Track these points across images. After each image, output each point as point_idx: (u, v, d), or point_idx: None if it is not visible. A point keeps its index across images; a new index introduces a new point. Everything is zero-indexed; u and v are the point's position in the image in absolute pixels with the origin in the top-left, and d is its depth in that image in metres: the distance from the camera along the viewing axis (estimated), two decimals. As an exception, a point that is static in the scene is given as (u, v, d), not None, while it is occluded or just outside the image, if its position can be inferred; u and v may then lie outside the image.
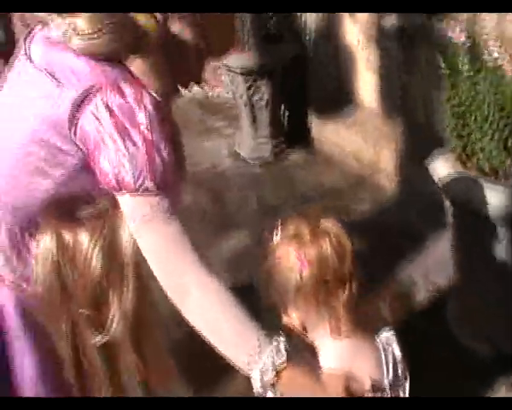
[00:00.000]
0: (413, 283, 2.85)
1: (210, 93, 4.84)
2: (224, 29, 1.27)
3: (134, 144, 1.09)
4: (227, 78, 4.47)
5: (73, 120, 1.11)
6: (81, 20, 1.11)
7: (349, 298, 1.20)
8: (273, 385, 1.10)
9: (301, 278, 1.19)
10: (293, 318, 1.24)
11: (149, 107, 1.12)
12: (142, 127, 1.10)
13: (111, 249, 1.17)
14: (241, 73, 3.76)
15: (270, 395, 1.13)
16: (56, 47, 1.16)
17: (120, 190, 1.11)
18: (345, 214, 3.20)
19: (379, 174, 3.44)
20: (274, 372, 1.09)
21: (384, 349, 1.27)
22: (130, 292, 1.19)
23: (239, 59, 3.73)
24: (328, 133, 3.76)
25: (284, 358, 1.10)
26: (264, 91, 3.78)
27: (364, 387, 1.19)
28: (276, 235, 1.26)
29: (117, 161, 1.09)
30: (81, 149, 1.14)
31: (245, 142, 3.97)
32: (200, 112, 4.62)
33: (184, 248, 1.13)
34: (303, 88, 3.88)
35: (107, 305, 1.19)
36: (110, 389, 1.28)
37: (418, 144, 3.17)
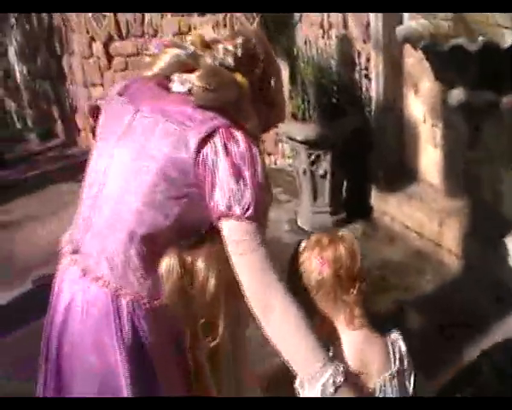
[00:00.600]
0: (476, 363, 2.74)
1: (268, 162, 4.91)
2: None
3: (244, 180, 1.32)
4: (287, 147, 4.54)
5: (196, 158, 1.34)
6: (197, 80, 1.37)
7: (359, 294, 1.45)
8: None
9: (321, 276, 1.44)
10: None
11: (254, 149, 1.36)
12: (251, 167, 1.34)
13: (222, 274, 1.39)
14: (304, 144, 3.80)
15: None
16: (170, 99, 1.42)
17: (228, 216, 1.33)
18: (405, 290, 3.14)
19: (442, 251, 3.37)
20: (334, 388, 1.29)
21: (392, 343, 1.50)
22: (234, 304, 1.43)
23: (302, 130, 3.79)
24: (390, 207, 3.74)
25: (343, 379, 1.30)
26: (325, 163, 3.80)
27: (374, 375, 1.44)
28: (301, 245, 1.51)
29: (229, 193, 1.32)
30: (199, 183, 1.35)
31: (304, 212, 3.98)
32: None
33: (271, 270, 1.33)
34: (364, 160, 3.88)
35: (218, 315, 1.41)
36: (214, 387, 1.51)
37: (483, 222, 3.12)
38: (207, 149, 1.33)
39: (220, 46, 1.44)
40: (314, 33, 4.21)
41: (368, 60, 3.82)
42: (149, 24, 5.43)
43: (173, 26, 5.20)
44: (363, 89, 3.89)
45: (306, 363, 1.31)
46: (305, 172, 3.89)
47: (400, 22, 3.64)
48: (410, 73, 3.69)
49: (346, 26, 3.97)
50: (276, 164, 4.83)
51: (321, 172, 3.84)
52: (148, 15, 5.35)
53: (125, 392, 1.39)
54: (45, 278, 3.00)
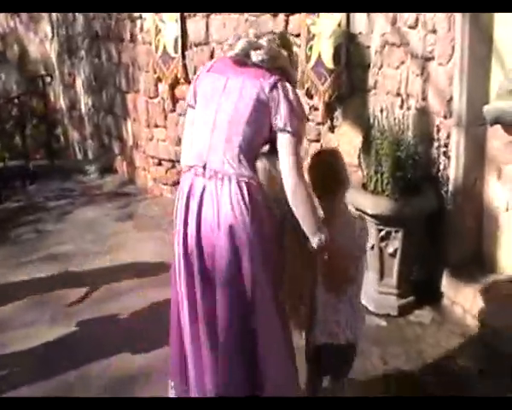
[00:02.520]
0: None
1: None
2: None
3: (294, 112, 2.25)
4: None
5: (268, 97, 2.27)
6: (264, 54, 2.32)
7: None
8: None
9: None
10: None
11: (298, 95, 2.35)
12: (297, 106, 2.29)
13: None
14: (374, 218, 3.60)
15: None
16: (246, 69, 2.35)
17: (283, 131, 2.26)
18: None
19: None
20: (320, 242, 2.25)
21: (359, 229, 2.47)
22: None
23: (373, 202, 3.59)
24: (462, 297, 3.48)
25: (325, 238, 2.26)
26: (396, 240, 3.59)
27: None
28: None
29: (285, 118, 2.24)
30: (270, 111, 2.26)
31: (369, 291, 3.76)
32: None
33: (301, 168, 2.26)
34: (438, 243, 3.65)
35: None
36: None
37: None
38: (274, 92, 2.27)
39: (269, 35, 2.41)
40: (390, 101, 4.02)
41: (448, 136, 3.59)
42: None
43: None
44: (441, 167, 3.66)
45: (310, 228, 2.25)
46: (372, 248, 3.68)
47: (486, 101, 3.43)
48: (494, 155, 3.46)
49: (425, 98, 3.76)
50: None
51: (390, 250, 3.62)
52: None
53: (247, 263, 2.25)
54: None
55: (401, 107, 3.92)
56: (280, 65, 2.36)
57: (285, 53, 2.39)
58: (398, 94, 3.99)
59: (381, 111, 3.86)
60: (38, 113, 8.29)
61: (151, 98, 5.90)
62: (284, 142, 2.24)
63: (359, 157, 4.25)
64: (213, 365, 2.31)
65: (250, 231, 2.22)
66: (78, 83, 7.64)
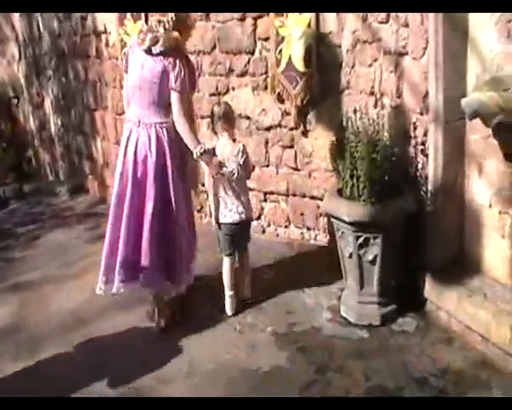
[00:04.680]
0: None
1: (307, 237, 4.50)
2: None
3: (181, 76, 3.49)
4: (334, 227, 4.13)
5: (168, 67, 3.49)
6: (160, 45, 3.51)
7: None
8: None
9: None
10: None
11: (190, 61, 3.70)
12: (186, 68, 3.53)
13: None
14: (351, 225, 3.39)
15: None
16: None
17: (173, 90, 3.48)
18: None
19: (510, 358, 2.89)
20: (201, 152, 3.51)
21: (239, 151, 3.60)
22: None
23: (349, 209, 3.39)
24: (446, 302, 3.27)
25: (204, 148, 3.54)
26: (374, 247, 3.37)
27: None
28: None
29: (174, 79, 3.47)
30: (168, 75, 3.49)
31: (349, 301, 3.55)
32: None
33: (183, 111, 3.51)
34: (418, 247, 3.45)
35: None
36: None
37: None
38: (171, 64, 3.47)
39: (164, 22, 3.51)
40: (364, 101, 3.84)
41: (425, 134, 3.41)
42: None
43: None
44: (419, 166, 3.47)
45: (192, 144, 3.49)
46: (351, 256, 3.47)
47: (463, 94, 3.25)
48: (474, 151, 3.27)
49: (399, 95, 3.58)
50: (316, 239, 4.42)
51: (369, 257, 3.41)
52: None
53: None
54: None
55: (375, 106, 3.74)
56: (174, 47, 3.52)
57: (175, 34, 3.51)
58: (372, 93, 3.81)
59: (355, 112, 3.67)
60: (6, 135, 8.04)
61: (119, 115, 5.68)
62: (173, 96, 3.49)
63: (334, 161, 4.07)
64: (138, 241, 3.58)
65: (168, 153, 3.56)
66: (47, 103, 7.42)
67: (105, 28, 5.80)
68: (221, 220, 3.71)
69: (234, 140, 3.68)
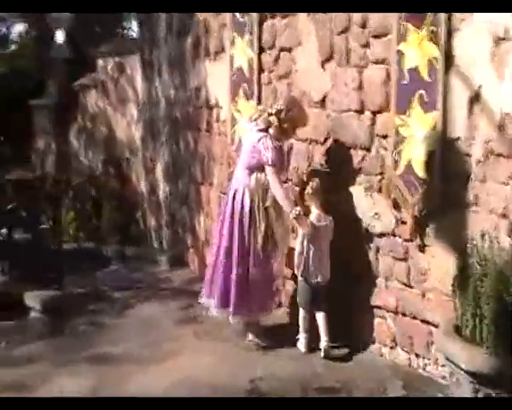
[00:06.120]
0: None
1: (415, 365, 3.92)
2: None
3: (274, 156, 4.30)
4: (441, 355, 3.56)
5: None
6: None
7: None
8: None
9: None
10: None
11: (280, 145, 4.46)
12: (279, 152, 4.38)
13: None
14: (469, 375, 2.84)
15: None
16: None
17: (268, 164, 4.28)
18: None
19: None
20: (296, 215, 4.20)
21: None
22: None
23: (468, 354, 2.86)
24: None
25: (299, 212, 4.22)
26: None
27: None
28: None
29: (272, 155, 4.27)
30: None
31: None
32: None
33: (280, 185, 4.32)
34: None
35: None
36: None
37: None
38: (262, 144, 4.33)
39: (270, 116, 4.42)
40: (494, 223, 3.28)
41: None
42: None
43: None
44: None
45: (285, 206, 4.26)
46: None
47: None
48: None
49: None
50: (425, 370, 3.82)
51: None
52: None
53: None
54: None
55: (510, 234, 3.16)
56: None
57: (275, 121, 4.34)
58: (505, 215, 3.24)
59: (483, 236, 3.13)
60: (117, 195, 8.09)
61: (224, 194, 5.42)
62: (268, 171, 4.23)
63: (453, 286, 3.52)
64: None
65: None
66: (158, 168, 7.36)
67: (216, 102, 5.63)
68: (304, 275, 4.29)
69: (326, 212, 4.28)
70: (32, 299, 5.51)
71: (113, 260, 7.19)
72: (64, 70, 10.28)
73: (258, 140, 4.25)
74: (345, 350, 4.25)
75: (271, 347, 4.43)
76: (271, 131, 4.29)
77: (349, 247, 4.23)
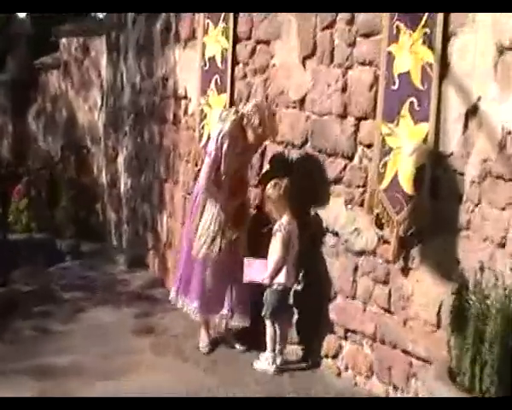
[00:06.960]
0: None
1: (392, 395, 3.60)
2: None
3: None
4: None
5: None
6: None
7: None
8: None
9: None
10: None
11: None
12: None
13: None
14: None
15: None
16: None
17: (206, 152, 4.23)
18: None
19: None
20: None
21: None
22: None
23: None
24: None
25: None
26: None
27: None
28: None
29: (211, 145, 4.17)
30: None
31: None
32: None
33: None
34: None
35: None
36: None
37: None
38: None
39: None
40: (489, 253, 2.96)
41: None
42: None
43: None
44: None
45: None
46: None
47: None
48: None
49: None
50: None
51: None
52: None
53: None
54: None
55: (512, 269, 2.83)
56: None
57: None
58: (503, 245, 2.92)
59: (481, 270, 2.80)
60: (75, 184, 7.63)
61: (189, 194, 5.00)
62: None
63: (438, 314, 3.21)
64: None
65: None
66: (120, 159, 6.91)
67: (185, 93, 5.21)
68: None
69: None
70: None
71: (67, 255, 6.77)
72: (25, 47, 9.71)
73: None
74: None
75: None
76: (227, 125, 4.06)
77: (322, 260, 3.94)
